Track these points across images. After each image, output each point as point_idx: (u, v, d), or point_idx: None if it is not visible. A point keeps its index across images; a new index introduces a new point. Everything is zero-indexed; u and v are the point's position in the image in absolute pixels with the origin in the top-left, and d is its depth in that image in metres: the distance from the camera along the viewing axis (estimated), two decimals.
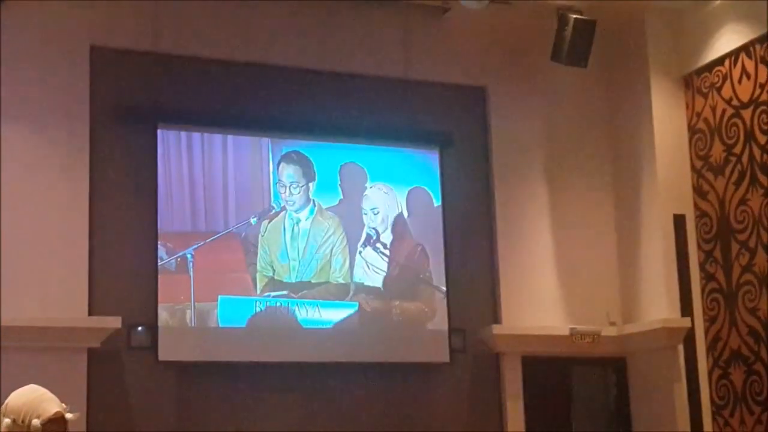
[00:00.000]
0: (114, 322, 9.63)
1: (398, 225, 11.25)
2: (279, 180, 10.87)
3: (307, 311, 10.62)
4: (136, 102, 10.38)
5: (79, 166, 9.97)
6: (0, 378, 8.30)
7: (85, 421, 9.14)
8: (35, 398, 3.05)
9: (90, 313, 9.73)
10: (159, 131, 10.41)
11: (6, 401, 3.11)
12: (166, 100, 10.51)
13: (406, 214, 11.29)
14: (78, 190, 9.92)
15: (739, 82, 10.59)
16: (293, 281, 10.66)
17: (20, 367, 8.58)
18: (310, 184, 10.98)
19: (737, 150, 10.60)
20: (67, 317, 9.47)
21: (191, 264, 10.27)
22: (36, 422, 2.95)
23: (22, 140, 9.77)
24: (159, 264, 10.12)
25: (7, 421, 2.96)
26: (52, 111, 9.93)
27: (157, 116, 10.44)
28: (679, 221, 11.03)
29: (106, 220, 10.08)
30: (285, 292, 10.62)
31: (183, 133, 10.61)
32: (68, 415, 3.21)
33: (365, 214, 11.15)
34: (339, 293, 10.84)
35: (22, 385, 3.52)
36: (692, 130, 11.25)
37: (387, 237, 11.16)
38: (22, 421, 2.96)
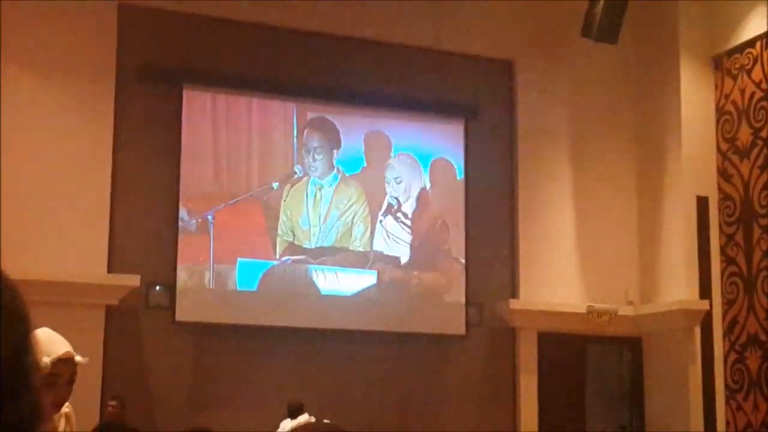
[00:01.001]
0: (133, 281, 9.74)
1: (421, 196, 11.25)
2: (303, 145, 10.88)
3: (325, 278, 10.66)
4: (163, 61, 10.41)
5: (104, 124, 10.03)
6: None
7: (100, 376, 9.27)
8: (46, 338, 3.09)
9: (109, 271, 9.84)
10: (184, 92, 10.44)
11: None
12: (192, 61, 10.52)
13: (428, 185, 11.28)
14: (101, 148, 9.99)
15: None
16: (313, 247, 10.70)
17: (38, 322, 8.66)
18: (334, 151, 10.98)
19: (764, 134, 10.49)
20: (86, 273, 9.58)
21: (212, 226, 10.32)
22: (46, 360, 2.99)
23: (48, 96, 9.84)
24: (180, 224, 10.19)
25: None
26: (79, 68, 9.99)
27: (183, 76, 10.47)
28: (702, 203, 10.95)
29: (129, 179, 10.14)
30: (304, 257, 10.66)
31: (209, 95, 10.64)
32: (78, 358, 3.25)
33: (388, 183, 11.15)
34: (358, 261, 10.87)
35: None
36: (720, 111, 11.14)
37: (409, 207, 11.16)
38: None
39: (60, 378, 3.18)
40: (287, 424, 8.37)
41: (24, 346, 1.20)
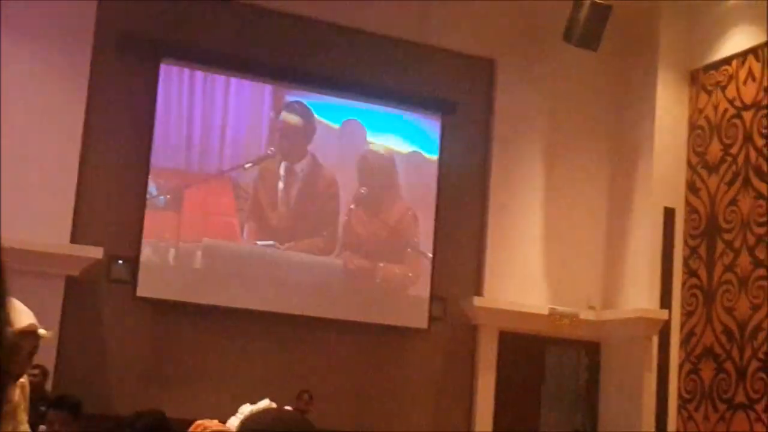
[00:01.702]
0: (95, 252, 9.65)
1: (393, 188, 11.25)
2: (278, 128, 10.85)
3: (290, 263, 10.64)
4: (142, 34, 10.32)
5: (77, 93, 9.93)
6: None
7: (55, 348, 9.16)
8: (10, 309, 3.06)
9: (72, 241, 9.74)
10: (162, 66, 10.36)
11: None
12: (172, 36, 10.44)
13: (401, 178, 11.28)
14: (73, 117, 9.89)
15: (744, 83, 10.58)
16: (281, 232, 10.67)
17: None
18: (309, 137, 10.96)
19: (734, 150, 10.61)
20: (48, 242, 9.46)
21: (180, 202, 10.27)
22: (9, 330, 2.96)
23: (21, 62, 9.70)
24: (148, 199, 10.12)
25: None
26: (56, 36, 9.87)
27: (161, 50, 10.37)
28: (669, 214, 11.07)
29: (99, 150, 10.05)
30: (271, 242, 10.63)
31: (186, 71, 10.57)
32: (41, 331, 3.23)
33: (360, 172, 11.14)
34: (325, 248, 10.86)
35: None
36: (692, 125, 11.24)
37: (380, 198, 11.16)
38: None
39: (21, 350, 3.16)
40: (246, 407, 8.36)
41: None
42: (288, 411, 1.98)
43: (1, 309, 1.18)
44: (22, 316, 3.15)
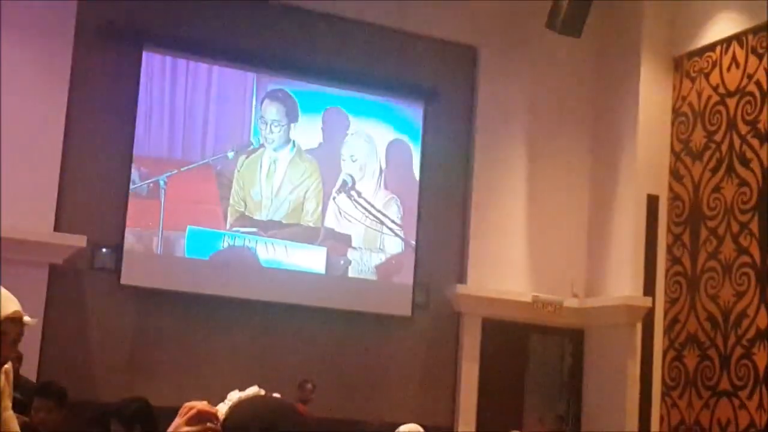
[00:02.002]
0: (79, 241, 9.62)
1: (375, 175, 11.24)
2: (261, 117, 10.82)
3: (275, 251, 10.63)
4: (125, 21, 10.26)
5: (60, 80, 9.86)
6: None
7: (39, 336, 9.13)
8: None
9: (56, 229, 9.70)
10: (144, 54, 10.31)
11: None
12: (154, 24, 10.39)
13: (384, 165, 11.28)
14: (55, 105, 9.83)
15: (728, 70, 10.60)
16: (264, 220, 10.66)
17: None
18: (292, 125, 10.94)
19: (718, 137, 10.63)
20: (31, 230, 9.41)
21: (163, 191, 10.23)
22: None
23: (2, 51, 9.58)
24: (131, 187, 10.08)
25: None
26: (37, 25, 9.77)
27: (144, 39, 10.32)
28: (652, 202, 11.09)
29: (82, 138, 10.00)
30: (255, 230, 10.62)
31: (168, 59, 10.52)
32: (26, 318, 3.21)
33: (343, 160, 11.13)
34: (309, 237, 10.85)
35: None
36: (676, 112, 11.26)
37: (363, 186, 11.15)
38: None
39: (6, 336, 3.13)
40: (235, 394, 8.35)
41: None
42: (276, 398, 1.97)
43: None
44: (8, 302, 3.13)
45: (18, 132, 9.58)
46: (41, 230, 9.53)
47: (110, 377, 9.74)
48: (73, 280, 9.81)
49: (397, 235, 11.19)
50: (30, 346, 8.49)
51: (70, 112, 9.91)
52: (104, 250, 9.99)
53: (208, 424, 1.88)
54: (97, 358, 9.85)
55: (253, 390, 2.31)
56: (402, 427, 4.47)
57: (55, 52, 9.85)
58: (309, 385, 9.87)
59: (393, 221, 11.20)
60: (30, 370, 8.49)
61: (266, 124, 10.82)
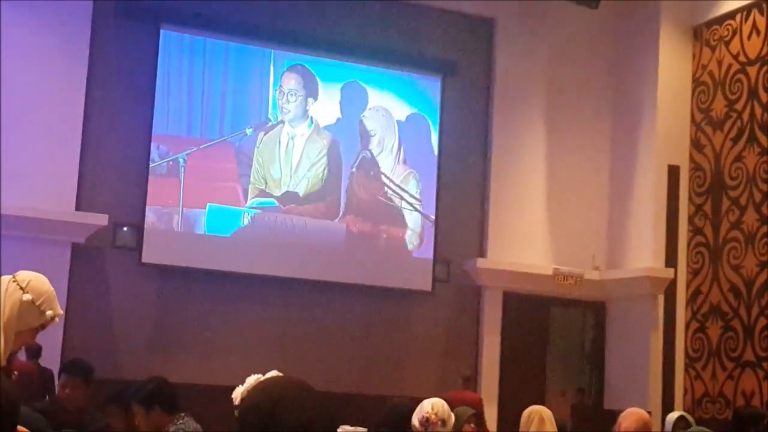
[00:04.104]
0: (100, 219, 9.67)
1: (394, 150, 11.22)
2: (279, 87, 10.80)
3: (294, 227, 10.64)
4: (141, 0, 10.26)
5: (78, 61, 9.89)
6: None
7: (64, 314, 9.19)
8: (53, 292, 3.08)
9: (77, 209, 9.76)
10: (162, 32, 10.31)
11: (24, 278, 3.10)
12: (172, 2, 10.38)
13: (402, 140, 11.24)
14: (75, 85, 9.86)
15: (749, 38, 10.47)
16: (283, 196, 10.66)
17: (3, 257, 8.60)
18: (310, 99, 10.92)
19: (739, 106, 10.52)
20: (54, 210, 9.48)
21: (183, 169, 10.26)
22: (50, 314, 2.98)
23: (22, 32, 9.65)
24: (150, 165, 10.11)
25: (28, 297, 2.98)
26: (55, 4, 9.77)
27: (161, 16, 10.33)
28: (673, 172, 11.00)
29: (102, 118, 10.04)
30: (274, 206, 10.63)
31: (186, 36, 10.52)
32: (56, 319, 3.27)
33: (362, 136, 11.11)
34: (328, 213, 10.85)
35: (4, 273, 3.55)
36: (696, 82, 11.15)
37: (381, 161, 11.13)
38: (39, 306, 2.99)
39: (36, 332, 3.17)
40: (253, 378, 8.38)
41: None
42: (289, 377, 1.96)
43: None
44: (57, 303, 3.15)
45: (38, 113, 9.63)
46: (63, 210, 9.60)
47: (132, 355, 9.81)
48: (95, 259, 9.87)
49: (416, 209, 11.18)
50: (53, 325, 8.56)
51: (90, 92, 9.95)
52: (125, 228, 10.04)
53: None
54: (118, 336, 9.92)
55: (272, 374, 2.33)
56: (425, 402, 4.48)
57: (73, 33, 9.87)
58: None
59: (412, 196, 11.19)
60: (54, 348, 8.58)
61: (283, 94, 10.82)
